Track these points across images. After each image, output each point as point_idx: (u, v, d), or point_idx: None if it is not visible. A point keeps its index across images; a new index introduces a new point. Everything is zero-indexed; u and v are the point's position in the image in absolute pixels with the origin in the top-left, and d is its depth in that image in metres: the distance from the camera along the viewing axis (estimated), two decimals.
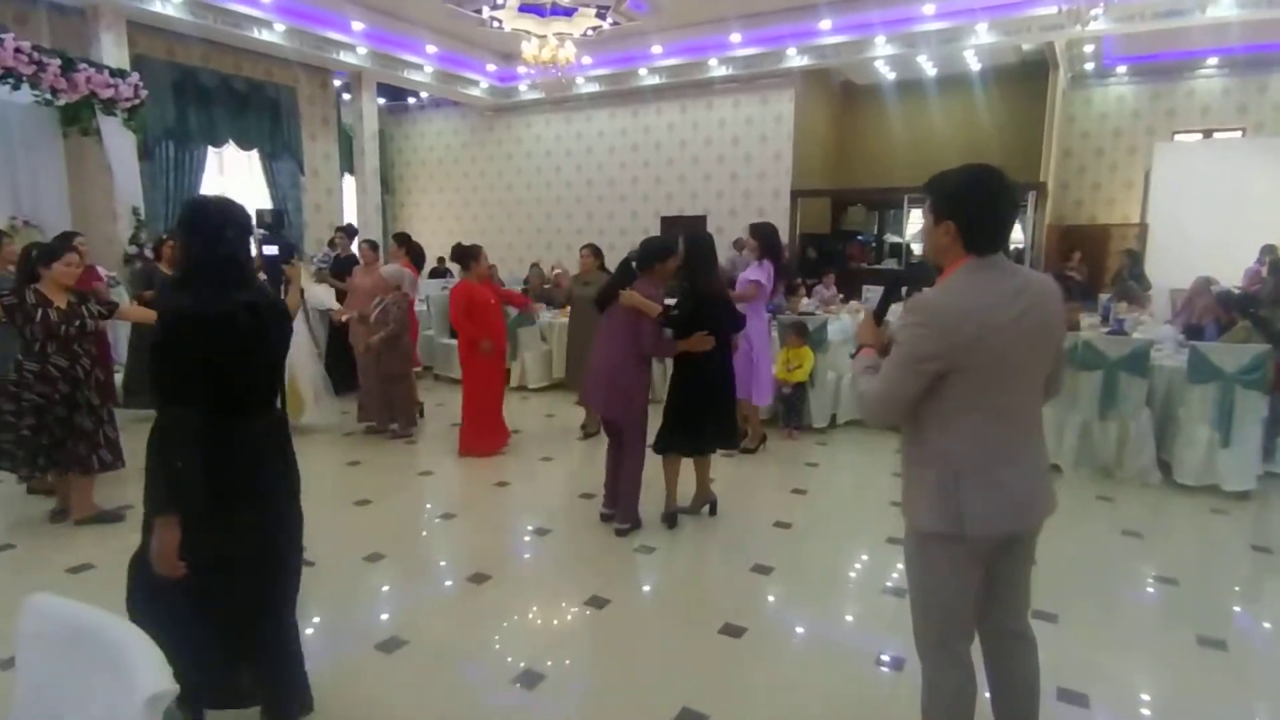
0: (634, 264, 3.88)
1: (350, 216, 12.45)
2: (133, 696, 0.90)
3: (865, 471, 5.09)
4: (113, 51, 8.25)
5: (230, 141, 10.39)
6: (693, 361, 3.79)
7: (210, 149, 10.22)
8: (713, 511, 4.11)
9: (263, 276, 3.00)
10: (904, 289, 2.17)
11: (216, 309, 1.81)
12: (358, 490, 4.51)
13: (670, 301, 3.90)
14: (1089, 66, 11.84)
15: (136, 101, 7.67)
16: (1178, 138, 11.66)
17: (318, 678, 2.26)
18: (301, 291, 4.83)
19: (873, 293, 9.04)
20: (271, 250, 3.01)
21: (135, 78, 7.68)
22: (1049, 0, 8.34)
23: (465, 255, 5.29)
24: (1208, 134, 11.51)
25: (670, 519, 3.95)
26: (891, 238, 13.17)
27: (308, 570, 3.35)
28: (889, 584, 3.31)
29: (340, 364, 6.31)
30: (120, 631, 0.98)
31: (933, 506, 1.73)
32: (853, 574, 3.55)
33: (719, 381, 3.91)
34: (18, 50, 6.54)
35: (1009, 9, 9.14)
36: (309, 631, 2.84)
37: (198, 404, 1.77)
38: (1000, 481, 1.69)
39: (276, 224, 7.78)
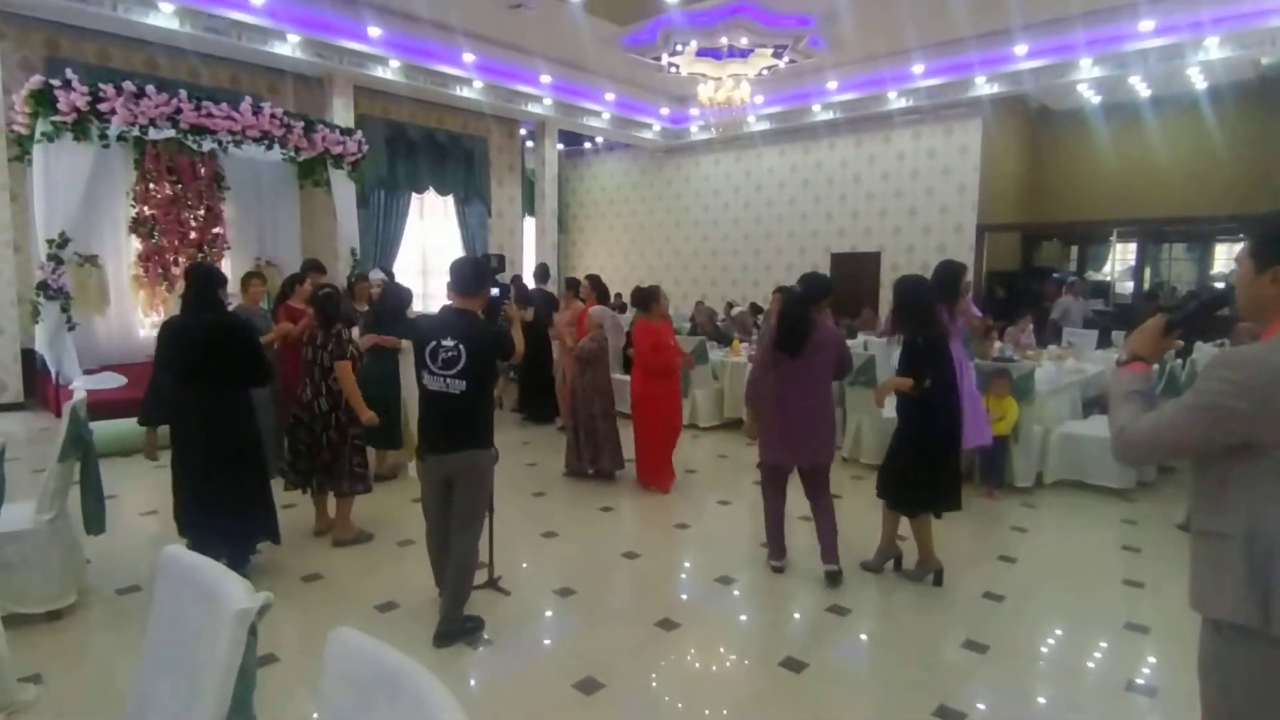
0: (801, 298, 3.73)
1: (529, 255, 13.22)
2: None
3: (1084, 541, 4.51)
4: (341, 113, 9.38)
5: (430, 188, 11.42)
6: (920, 408, 3.57)
7: (414, 195, 11.29)
8: (938, 581, 3.71)
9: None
10: (1215, 312, 1.78)
11: None
12: (545, 521, 4.64)
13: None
14: None
15: (359, 156, 8.63)
16: None
17: (521, 706, 2.27)
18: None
19: (1080, 336, 8.19)
20: (494, 291, 3.25)
21: (359, 135, 8.65)
22: None
23: (646, 297, 5.47)
24: None
25: (876, 567, 3.82)
26: (1093, 275, 11.91)
27: (505, 598, 3.45)
28: (1138, 681, 2.86)
29: (534, 397, 6.70)
30: (421, 681, 1.00)
31: (1234, 591, 1.41)
32: (1090, 664, 3.09)
33: (945, 432, 3.65)
34: (272, 116, 7.60)
35: (1245, 19, 8.05)
36: (509, 655, 2.91)
37: None
38: None
39: (500, 268, 8.50)
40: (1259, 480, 1.42)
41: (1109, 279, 11.61)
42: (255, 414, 3.69)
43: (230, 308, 4.28)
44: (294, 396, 4.20)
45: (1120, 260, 12.24)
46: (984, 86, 10.01)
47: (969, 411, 4.40)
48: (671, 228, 14.96)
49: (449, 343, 2.85)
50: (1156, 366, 1.56)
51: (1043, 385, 5.56)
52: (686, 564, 4.19)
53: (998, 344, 7.41)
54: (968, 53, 9.66)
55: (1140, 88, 10.74)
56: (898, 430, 3.73)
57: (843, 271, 11.84)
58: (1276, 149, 9.83)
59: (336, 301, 4.08)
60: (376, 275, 7.67)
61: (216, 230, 8.16)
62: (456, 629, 3.04)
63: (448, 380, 2.85)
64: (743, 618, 3.50)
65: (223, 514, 3.42)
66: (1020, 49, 9.33)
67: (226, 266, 8.27)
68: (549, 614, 3.43)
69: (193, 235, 7.99)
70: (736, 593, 3.70)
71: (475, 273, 3.07)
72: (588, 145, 15.83)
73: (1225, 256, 11.37)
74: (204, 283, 3.57)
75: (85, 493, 3.29)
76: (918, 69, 10.22)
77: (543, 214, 12.74)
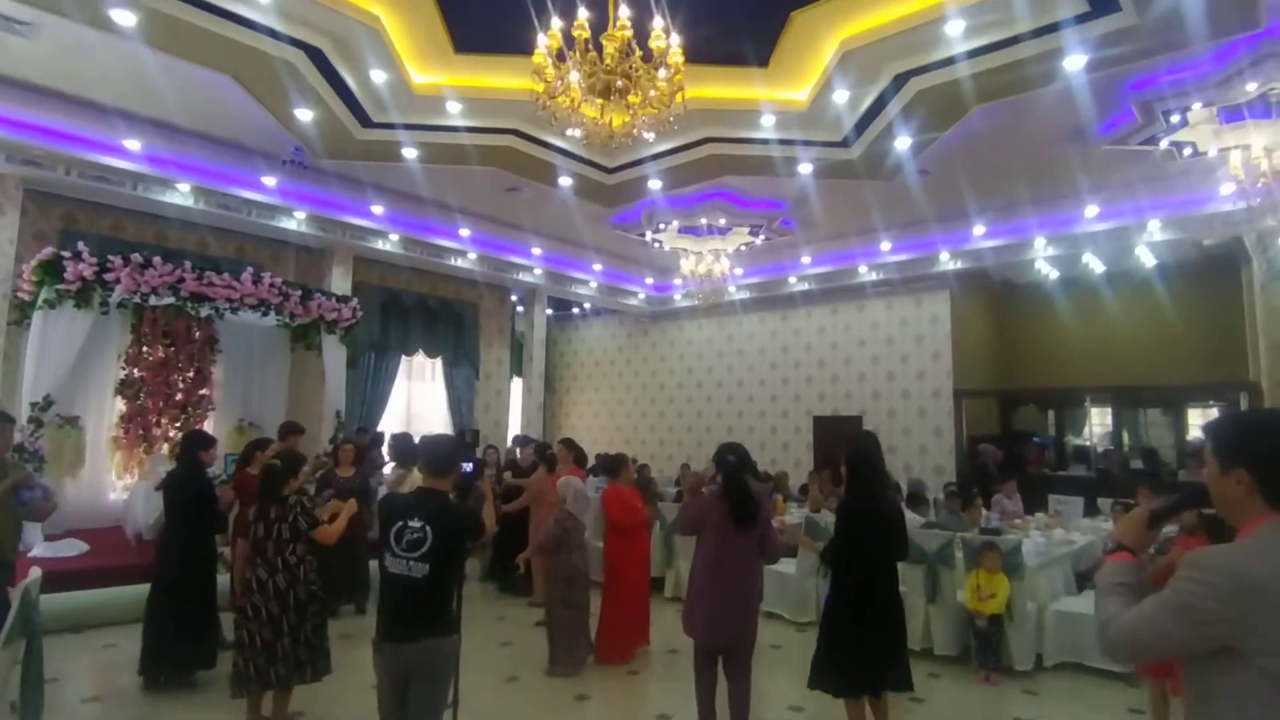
0: (733, 467, 3.70)
1: (516, 415, 13.31)
2: None
3: None
4: (340, 281, 9.79)
5: (420, 351, 11.69)
6: (861, 582, 3.45)
7: (403, 357, 11.53)
8: None
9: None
10: (1196, 509, 1.81)
11: None
12: (516, 713, 4.30)
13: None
14: None
15: (353, 322, 8.91)
16: None
17: None
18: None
19: (1065, 504, 8.13)
20: (467, 467, 3.23)
21: (355, 302, 8.99)
22: (1232, 195, 7.92)
23: (614, 464, 5.67)
24: None
25: None
26: (1073, 440, 12.05)
27: None
28: None
29: (507, 565, 6.50)
30: None
31: None
32: None
33: (892, 607, 3.52)
34: (271, 285, 7.93)
35: (1184, 206, 8.76)
36: None
37: None
38: None
39: (474, 443, 8.49)
40: (1246, 696, 1.37)
41: (1088, 443, 11.73)
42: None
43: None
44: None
45: (1099, 424, 12.45)
46: (948, 262, 10.65)
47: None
48: (656, 390, 15.22)
49: (416, 523, 2.77)
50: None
51: (1032, 559, 5.44)
52: None
53: (985, 512, 7.33)
54: (930, 232, 10.38)
55: (1095, 264, 11.47)
56: (843, 606, 3.55)
57: (826, 434, 11.94)
58: (1229, 320, 10.34)
59: (283, 474, 3.96)
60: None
61: (203, 391, 8.21)
62: None
63: (411, 563, 2.73)
64: None
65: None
66: (979, 229, 10.05)
67: (209, 427, 8.26)
68: None
69: (179, 397, 8.03)
70: None
71: (447, 451, 3.06)
72: (576, 310, 16.46)
73: (1198, 420, 11.63)
74: (185, 443, 4.79)
75: (25, 680, 3.09)
76: (885, 246, 10.93)
77: (530, 375, 12.98)
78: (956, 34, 5.63)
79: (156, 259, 7.22)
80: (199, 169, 8.05)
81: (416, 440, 6.86)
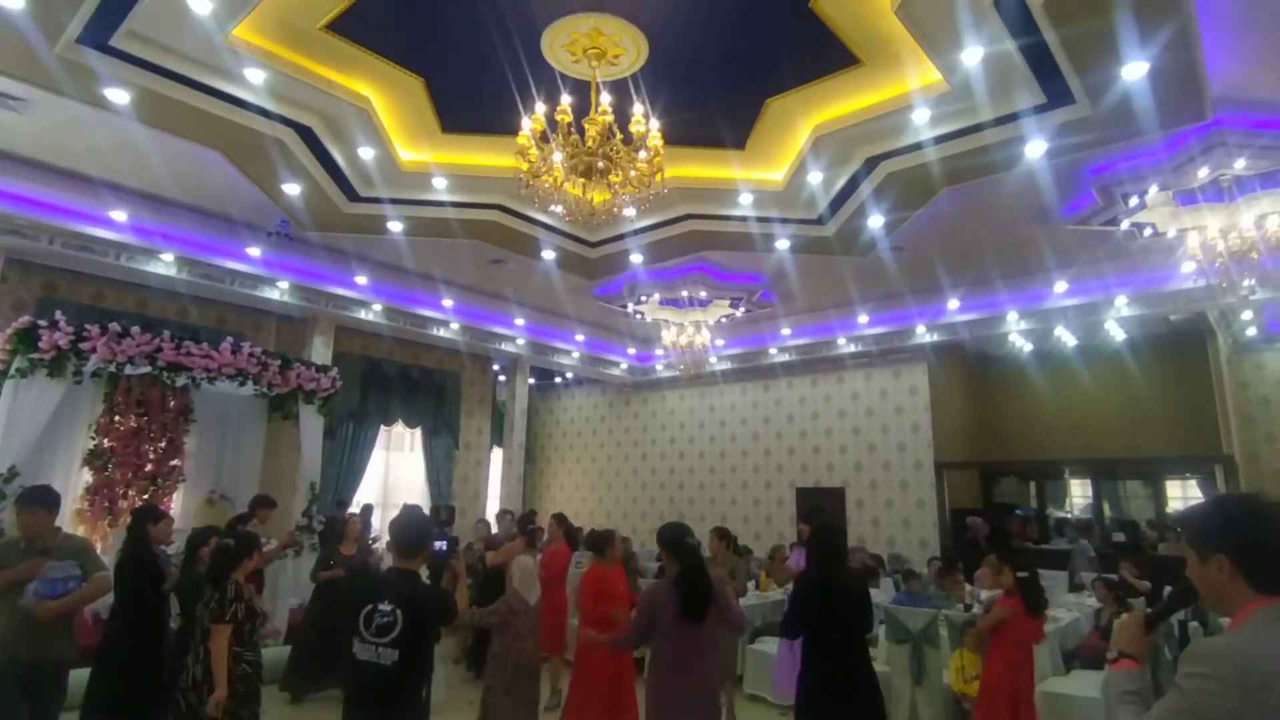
0: (694, 552, 3.56)
1: (495, 487, 13.11)
2: None
3: None
4: (321, 350, 9.76)
5: (399, 420, 11.58)
6: (832, 660, 3.39)
7: (382, 426, 11.41)
8: None
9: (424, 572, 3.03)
10: (1189, 604, 1.80)
11: None
12: None
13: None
14: (1251, 332, 11.24)
15: (333, 392, 8.83)
16: None
17: None
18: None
19: (1049, 579, 8.03)
20: (440, 545, 3.16)
21: (335, 372, 8.92)
22: (1193, 273, 8.18)
23: (601, 541, 5.30)
24: None
25: None
26: (1055, 512, 12.04)
27: None
28: None
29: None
30: None
31: None
32: None
33: (870, 681, 3.46)
34: (250, 354, 7.89)
35: (1149, 283, 9.03)
36: None
37: None
38: None
39: (448, 520, 8.31)
40: None
41: (1069, 515, 11.73)
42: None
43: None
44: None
45: (1080, 496, 12.48)
46: (924, 335, 10.85)
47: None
48: (639, 460, 15.11)
49: (385, 607, 2.68)
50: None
51: None
52: None
53: (968, 587, 7.23)
54: (906, 305, 10.61)
55: (1067, 338, 11.73)
56: (813, 683, 3.49)
57: (809, 506, 11.85)
58: (1200, 393, 10.56)
59: (235, 555, 3.80)
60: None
61: (174, 462, 8.02)
62: None
63: (380, 649, 2.64)
64: None
65: None
66: (953, 303, 10.29)
67: (178, 500, 8.06)
68: None
69: (149, 467, 7.84)
70: None
71: (418, 531, 2.99)
72: (558, 379, 16.47)
73: (1177, 493, 11.71)
74: (134, 516, 4.62)
75: None
76: (862, 319, 11.13)
77: (510, 445, 12.85)
78: (923, 121, 5.91)
79: (135, 328, 7.18)
80: (183, 239, 8.12)
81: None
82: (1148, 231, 7.57)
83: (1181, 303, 9.00)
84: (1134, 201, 6.96)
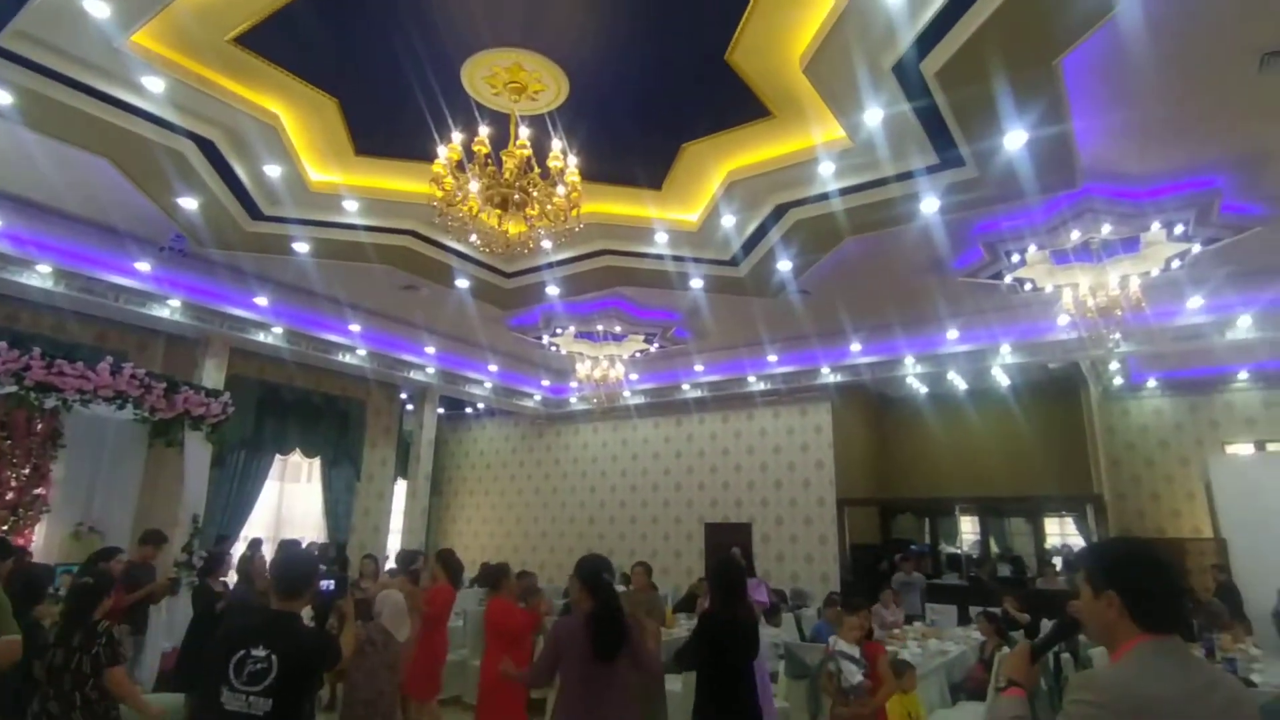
0: (609, 588, 3.47)
1: (398, 519, 12.62)
2: None
3: None
4: (213, 374, 9.19)
5: (297, 449, 11.02)
6: (725, 683, 3.46)
7: (277, 456, 10.82)
8: None
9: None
10: (1072, 635, 1.92)
11: None
12: None
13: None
14: (1118, 381, 12.26)
15: (223, 418, 8.32)
16: (1229, 449, 11.57)
17: None
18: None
19: (940, 613, 8.41)
20: (328, 585, 2.97)
21: (226, 397, 8.41)
22: (1068, 326, 8.89)
23: (496, 575, 5.27)
24: (1260, 445, 11.41)
25: None
26: (947, 548, 12.64)
27: None
28: None
29: None
30: None
31: None
32: None
33: (752, 699, 3.57)
34: (132, 376, 7.35)
35: (1029, 333, 9.76)
36: None
37: None
38: None
39: (338, 559, 7.90)
40: None
41: (960, 552, 12.34)
42: None
43: None
44: None
45: (971, 533, 13.16)
46: (829, 375, 11.28)
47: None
48: (549, 494, 14.91)
49: (260, 652, 2.49)
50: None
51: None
52: None
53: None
54: (812, 346, 11.01)
55: (959, 381, 12.48)
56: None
57: (717, 542, 11.98)
58: (1074, 437, 11.41)
59: (93, 594, 3.51)
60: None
61: (38, 491, 7.33)
62: None
63: (251, 699, 2.44)
64: None
65: None
66: (855, 346, 10.76)
67: (40, 532, 7.38)
68: None
69: (9, 496, 7.13)
70: None
71: (302, 570, 2.82)
72: (469, 410, 16.12)
73: (1055, 530, 12.55)
74: None
75: None
76: (771, 357, 11.48)
77: (415, 477, 12.42)
78: (829, 174, 6.23)
79: (1, 344, 6.59)
80: (63, 250, 7.55)
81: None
82: (1028, 286, 8.18)
83: (1058, 352, 9.75)
84: (1015, 258, 7.54)
